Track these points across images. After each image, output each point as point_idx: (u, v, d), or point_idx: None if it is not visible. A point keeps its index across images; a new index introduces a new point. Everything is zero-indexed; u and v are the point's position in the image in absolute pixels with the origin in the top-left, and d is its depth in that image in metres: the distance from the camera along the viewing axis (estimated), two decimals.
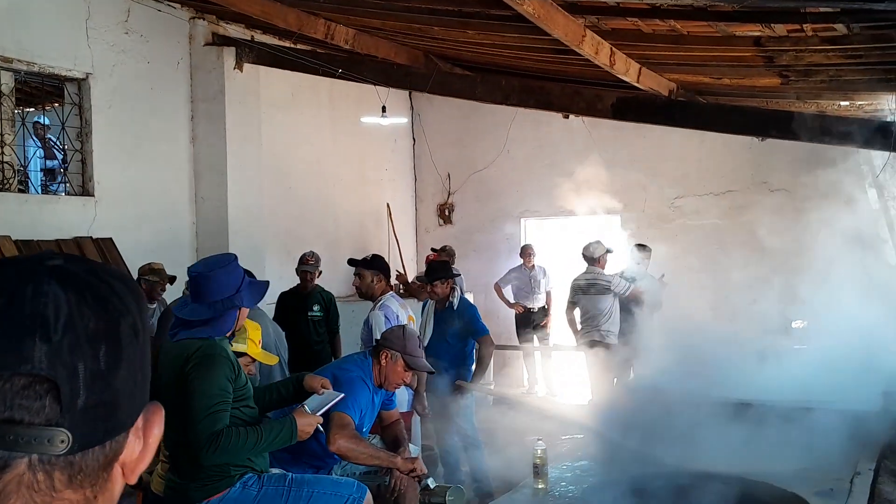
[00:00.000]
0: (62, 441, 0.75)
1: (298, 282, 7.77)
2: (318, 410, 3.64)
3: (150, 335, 0.86)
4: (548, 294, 10.84)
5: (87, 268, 0.82)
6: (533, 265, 10.78)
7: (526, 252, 10.84)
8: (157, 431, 0.84)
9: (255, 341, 4.05)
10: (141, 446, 0.83)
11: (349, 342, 7.43)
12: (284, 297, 7.81)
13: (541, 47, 6.96)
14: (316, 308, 7.60)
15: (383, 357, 4.36)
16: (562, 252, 11.48)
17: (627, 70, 7.02)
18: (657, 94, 7.82)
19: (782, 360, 4.93)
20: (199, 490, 3.42)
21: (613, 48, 6.61)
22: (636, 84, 7.42)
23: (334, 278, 10.10)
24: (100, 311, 0.78)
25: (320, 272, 7.80)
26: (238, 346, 3.92)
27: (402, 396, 5.79)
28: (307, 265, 7.63)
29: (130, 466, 0.82)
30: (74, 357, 0.75)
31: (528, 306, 10.73)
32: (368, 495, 3.71)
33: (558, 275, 10.72)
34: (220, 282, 3.44)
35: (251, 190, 8.78)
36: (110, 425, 0.78)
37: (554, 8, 5.45)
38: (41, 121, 8.61)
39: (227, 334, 3.53)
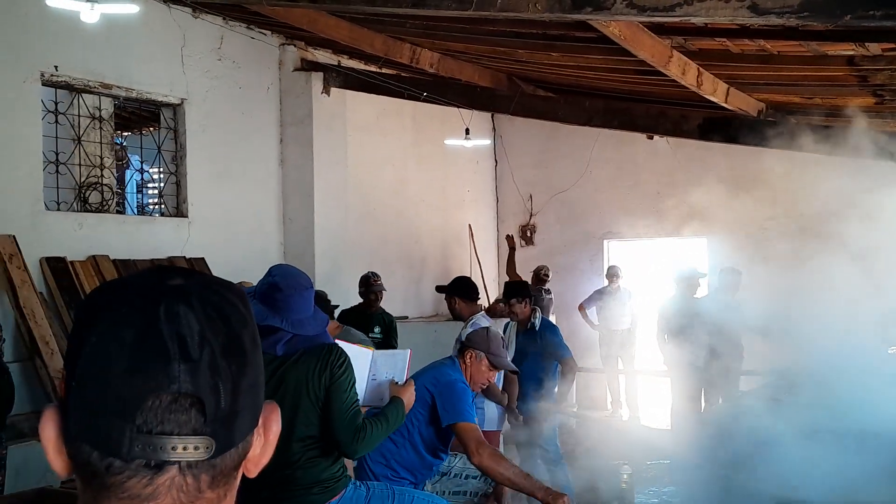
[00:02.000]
0: (207, 448, 0.82)
1: (361, 301, 7.61)
2: (400, 375, 3.76)
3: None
4: (633, 316, 10.69)
5: (203, 282, 0.87)
6: (619, 287, 10.66)
7: (612, 273, 10.73)
8: (276, 428, 0.91)
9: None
10: (262, 442, 0.90)
11: (430, 361, 7.40)
12: (346, 316, 7.52)
13: (626, 68, 6.94)
14: (377, 329, 7.38)
15: (468, 356, 4.42)
16: (646, 274, 11.36)
17: (715, 90, 6.94)
18: (746, 114, 7.69)
19: (881, 385, 4.77)
20: (323, 493, 3.49)
21: (700, 68, 6.54)
22: (724, 104, 7.32)
23: (416, 298, 10.21)
24: (225, 325, 0.84)
25: (385, 290, 7.68)
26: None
27: (493, 414, 5.81)
28: (376, 286, 7.51)
29: (254, 461, 0.90)
30: (212, 372, 0.82)
31: (613, 328, 10.62)
32: None
33: (642, 297, 10.60)
34: (298, 302, 3.45)
35: (337, 211, 8.95)
36: (243, 427, 0.86)
37: (640, 29, 5.44)
38: (120, 142, 8.93)
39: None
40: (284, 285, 3.32)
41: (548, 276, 10.50)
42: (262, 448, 0.90)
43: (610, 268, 10.90)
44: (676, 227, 10.85)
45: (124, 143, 8.99)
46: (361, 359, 3.77)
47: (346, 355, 3.43)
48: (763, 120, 7.83)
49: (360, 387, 3.69)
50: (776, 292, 9.23)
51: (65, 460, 0.85)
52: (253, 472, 0.91)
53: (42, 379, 6.16)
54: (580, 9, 4.03)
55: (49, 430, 0.85)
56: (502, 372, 6.03)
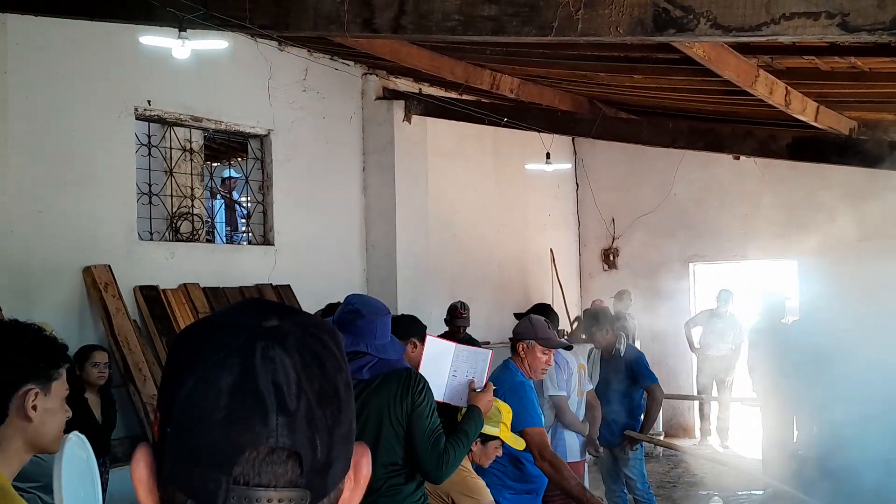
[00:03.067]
0: (301, 499, 0.80)
1: (447, 329, 7.58)
2: (480, 376, 3.73)
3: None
4: (735, 343, 10.31)
5: (299, 324, 0.85)
6: (727, 311, 10.35)
7: (723, 298, 10.40)
8: (366, 471, 0.89)
9: (507, 424, 4.01)
10: (353, 485, 0.88)
11: None
12: None
13: (710, 88, 6.83)
14: None
15: (520, 349, 4.42)
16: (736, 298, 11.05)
17: (804, 109, 6.76)
18: (836, 133, 7.47)
19: None
20: None
21: (788, 87, 6.39)
22: (813, 123, 7.13)
23: (498, 323, 10.16)
24: (320, 372, 0.82)
25: (467, 326, 7.66)
26: (490, 430, 3.82)
27: (574, 444, 5.71)
28: (461, 318, 7.52)
29: (345, 502, 0.88)
30: (309, 424, 0.80)
31: (711, 353, 10.32)
32: None
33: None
34: (380, 327, 3.49)
35: (418, 237, 9.01)
36: (336, 474, 0.84)
37: (725, 49, 5.34)
38: (230, 174, 9.18)
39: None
40: (366, 311, 3.35)
41: (630, 301, 10.32)
42: (352, 491, 0.88)
43: (721, 291, 10.56)
44: (765, 249, 10.57)
45: (229, 175, 9.21)
46: (444, 354, 3.79)
47: (425, 381, 3.41)
48: (855, 138, 7.59)
49: (441, 382, 3.70)
50: (869, 316, 8.88)
51: (156, 502, 0.84)
52: None
53: (135, 405, 6.34)
54: (663, 31, 3.98)
55: (141, 470, 0.84)
56: (583, 399, 5.96)
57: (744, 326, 10.19)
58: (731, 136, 7.42)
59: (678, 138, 7.60)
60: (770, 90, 6.14)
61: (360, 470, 0.89)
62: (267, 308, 0.86)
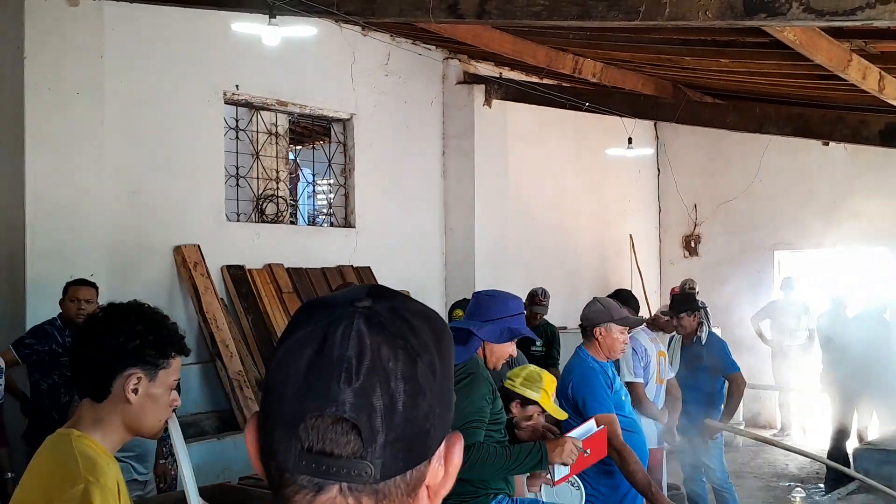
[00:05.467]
0: (366, 472, 0.82)
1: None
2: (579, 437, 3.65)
3: (450, 369, 0.90)
4: (810, 331, 10.11)
5: (391, 306, 0.88)
6: (793, 300, 10.16)
7: (786, 285, 10.24)
8: (457, 460, 0.90)
9: (549, 392, 4.00)
10: (443, 472, 0.89)
11: None
12: None
13: (800, 73, 6.65)
14: (539, 343, 7.40)
15: (598, 334, 4.32)
16: (821, 286, 10.79)
17: None
18: None
19: None
20: None
21: (882, 72, 6.18)
22: None
23: (576, 309, 10.11)
24: (398, 351, 0.84)
25: (545, 314, 7.66)
26: (530, 394, 3.83)
27: (651, 432, 5.68)
28: (539, 305, 7.52)
29: (434, 489, 0.89)
30: (374, 398, 0.82)
31: (786, 343, 10.13)
32: None
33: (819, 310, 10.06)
34: (491, 304, 3.57)
35: (497, 221, 9.03)
36: (411, 456, 0.84)
37: (817, 33, 5.20)
38: (295, 157, 9.31)
39: (493, 364, 3.64)
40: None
41: (693, 290, 10.13)
42: (441, 479, 0.89)
43: (784, 279, 10.41)
44: (853, 237, 10.26)
45: (297, 158, 9.38)
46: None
47: (468, 371, 3.43)
48: None
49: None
50: None
51: (262, 468, 0.88)
52: (434, 501, 0.90)
53: (222, 380, 6.55)
54: (753, 15, 3.90)
55: (251, 435, 0.89)
56: (662, 387, 5.91)
57: (813, 313, 9.96)
58: (820, 121, 7.22)
59: (765, 123, 7.42)
60: (863, 75, 5.94)
61: (452, 458, 0.90)
62: (369, 291, 0.89)
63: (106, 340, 1.93)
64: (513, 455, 3.43)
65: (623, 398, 4.40)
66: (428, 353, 0.86)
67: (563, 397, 4.34)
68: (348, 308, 0.86)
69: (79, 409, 2.00)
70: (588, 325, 4.39)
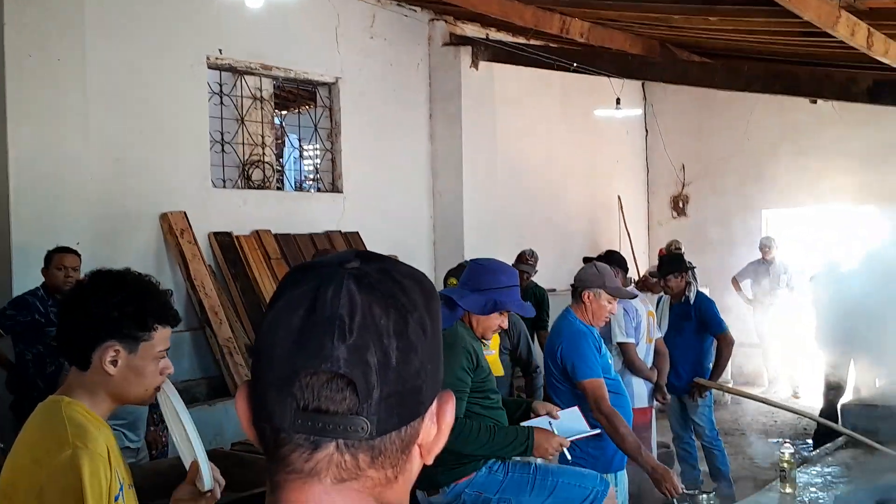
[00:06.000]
0: (362, 428, 0.83)
1: None
2: (568, 436, 3.62)
3: (439, 328, 0.91)
4: (790, 290, 10.25)
5: (380, 268, 0.89)
6: (773, 259, 10.25)
7: (765, 245, 10.32)
8: (449, 418, 0.92)
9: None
10: (436, 430, 0.91)
11: None
12: None
13: (789, 30, 6.60)
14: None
15: (586, 297, 4.30)
16: (806, 245, 10.85)
17: (887, 51, 6.49)
18: None
19: None
20: (446, 473, 3.54)
21: (871, 28, 6.14)
22: None
23: (565, 271, 10.14)
24: (389, 309, 0.85)
25: (536, 271, 7.67)
26: None
27: (642, 391, 5.73)
28: (525, 264, 7.50)
29: (427, 447, 0.90)
30: (368, 354, 0.83)
31: (768, 302, 10.23)
32: (612, 489, 3.70)
33: (800, 269, 10.14)
34: (481, 274, 3.56)
35: (485, 184, 9.01)
36: (405, 412, 0.86)
37: None
38: (281, 122, 9.22)
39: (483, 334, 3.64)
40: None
41: (679, 250, 10.18)
42: (434, 437, 0.91)
43: (762, 239, 10.47)
44: (842, 195, 10.29)
45: (283, 122, 9.31)
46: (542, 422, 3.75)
47: (453, 339, 3.43)
48: None
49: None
50: None
51: (254, 433, 0.89)
52: (427, 459, 0.91)
53: (212, 347, 6.55)
54: None
55: (241, 402, 0.90)
56: (651, 346, 5.95)
57: (793, 271, 10.04)
58: (808, 79, 7.19)
59: (753, 82, 7.39)
60: (852, 31, 5.91)
61: (444, 416, 0.91)
62: (356, 254, 0.90)
63: (87, 311, 1.92)
64: (496, 438, 3.43)
65: (609, 361, 4.41)
66: (417, 312, 0.87)
67: (551, 359, 4.35)
68: (338, 269, 0.87)
69: (68, 376, 2.00)
70: (579, 286, 4.38)
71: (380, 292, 0.86)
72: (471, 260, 3.89)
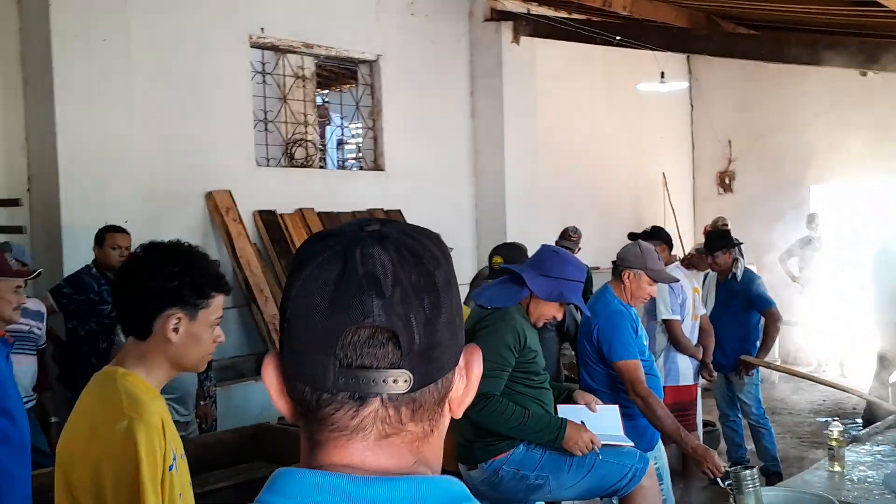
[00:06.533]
0: (405, 381, 0.85)
1: None
2: (599, 432, 3.57)
3: (458, 285, 0.94)
4: (838, 267, 10.08)
5: (399, 229, 0.91)
6: (820, 236, 10.06)
7: (812, 221, 10.15)
8: (477, 370, 0.94)
9: None
10: (465, 383, 0.93)
11: None
12: None
13: (837, 0, 6.44)
14: None
15: (626, 277, 4.25)
16: (856, 221, 10.64)
17: None
18: None
19: None
20: (485, 449, 3.56)
21: None
22: None
23: (608, 249, 10.06)
24: (417, 266, 0.88)
25: (580, 248, 7.63)
26: None
27: (687, 368, 5.67)
28: (569, 241, 7.48)
29: (457, 401, 0.93)
30: (405, 308, 0.85)
31: (816, 280, 10.06)
32: (651, 466, 3.68)
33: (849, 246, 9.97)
34: (553, 261, 3.56)
35: (527, 162, 8.95)
36: (440, 365, 0.88)
37: None
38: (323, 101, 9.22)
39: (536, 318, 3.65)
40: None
41: (726, 227, 10.05)
42: (464, 389, 0.93)
43: (809, 215, 10.30)
44: (892, 170, 10.05)
45: (326, 101, 9.32)
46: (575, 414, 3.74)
47: (497, 318, 3.48)
48: None
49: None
50: None
51: (287, 401, 0.91)
52: (457, 413, 0.94)
53: (258, 324, 6.62)
54: None
55: (270, 373, 0.92)
56: (696, 323, 5.88)
57: (845, 249, 9.87)
58: (858, 50, 7.01)
59: (801, 54, 7.24)
60: None
61: (472, 368, 0.94)
62: (372, 219, 0.93)
63: (146, 282, 1.96)
64: (529, 422, 3.43)
65: (644, 342, 4.36)
66: (442, 267, 0.90)
67: (587, 339, 4.32)
68: (359, 232, 0.89)
69: (124, 348, 2.04)
70: (621, 265, 4.34)
71: (405, 250, 0.88)
72: (543, 244, 3.88)
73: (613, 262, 4.51)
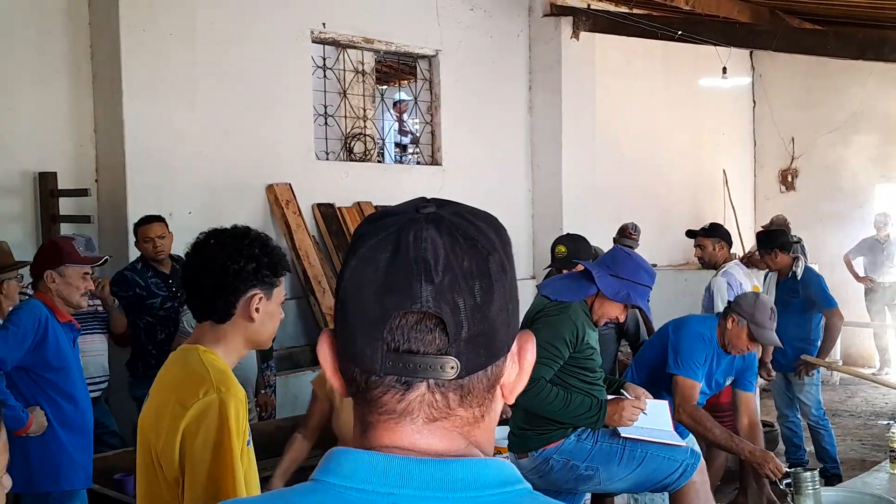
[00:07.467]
0: (452, 367, 0.85)
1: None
2: (637, 425, 3.58)
3: (514, 269, 0.93)
4: None
5: (455, 211, 0.90)
6: (888, 236, 9.85)
7: (881, 222, 9.93)
8: (531, 357, 0.93)
9: None
10: (517, 370, 0.92)
11: (678, 311, 7.18)
12: None
13: None
14: None
15: (730, 321, 4.24)
16: None
17: None
18: None
19: None
20: (536, 438, 3.58)
21: None
22: None
23: (666, 246, 9.96)
24: (471, 250, 0.87)
25: (638, 245, 7.55)
26: None
27: None
28: (629, 239, 7.41)
29: (509, 388, 0.92)
30: (455, 294, 0.84)
31: (879, 280, 9.86)
32: (702, 462, 3.65)
33: None
34: (625, 262, 3.57)
35: (585, 157, 8.90)
36: (491, 352, 0.88)
37: None
38: (401, 98, 9.32)
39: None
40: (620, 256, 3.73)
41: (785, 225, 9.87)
42: (517, 375, 0.92)
43: (878, 215, 10.07)
44: None
45: (400, 99, 9.31)
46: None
47: (558, 311, 3.49)
48: None
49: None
50: None
51: (340, 379, 0.92)
52: (509, 399, 0.93)
53: (315, 315, 6.71)
54: None
55: (324, 351, 0.93)
56: None
57: None
58: None
59: (868, 49, 7.07)
60: None
61: (525, 355, 0.93)
62: (430, 200, 0.92)
63: (229, 264, 2.01)
64: (571, 404, 3.46)
65: (711, 384, 4.33)
66: (497, 252, 0.89)
67: (658, 338, 4.34)
68: (415, 214, 0.89)
69: (196, 331, 2.10)
70: (731, 308, 4.32)
71: (460, 234, 0.87)
72: (617, 245, 3.92)
73: (728, 303, 4.53)
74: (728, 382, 4.48)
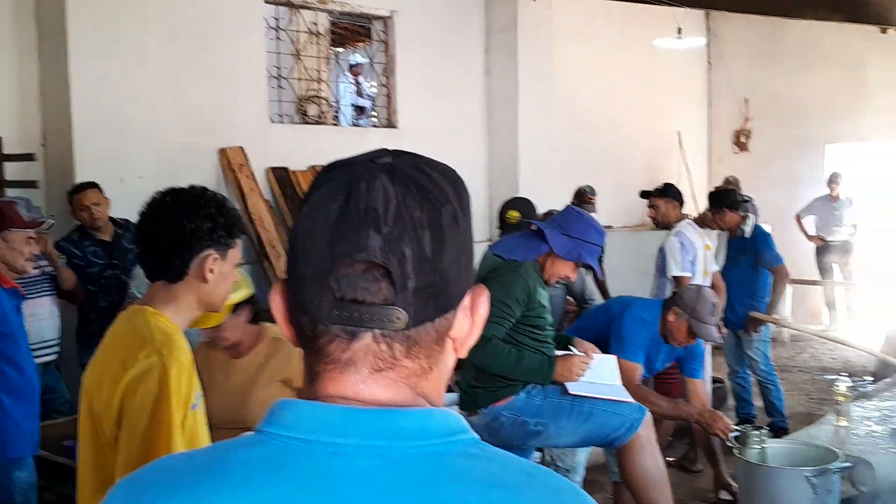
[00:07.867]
0: (398, 318, 0.85)
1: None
2: (586, 380, 3.64)
3: (470, 222, 0.93)
4: (854, 227, 10.08)
5: (412, 162, 0.90)
6: (838, 195, 10.04)
7: (832, 181, 10.11)
8: (483, 311, 0.93)
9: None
10: (469, 324, 0.92)
11: (633, 271, 7.29)
12: None
13: None
14: None
15: (671, 313, 4.29)
16: (872, 182, 10.59)
17: None
18: None
19: None
20: (485, 395, 3.64)
21: None
22: None
23: (622, 207, 10.05)
24: (423, 201, 0.86)
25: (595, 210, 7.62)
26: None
27: None
28: (588, 204, 7.48)
29: (460, 341, 0.92)
30: (403, 245, 0.84)
31: (829, 239, 10.09)
32: (648, 416, 3.72)
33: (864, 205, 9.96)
34: (577, 221, 3.60)
35: (542, 120, 8.89)
36: (439, 304, 0.87)
37: None
38: (356, 60, 9.22)
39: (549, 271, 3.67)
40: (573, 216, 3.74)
41: (737, 185, 10.04)
42: (469, 328, 0.92)
43: (831, 175, 10.27)
44: None
45: (356, 62, 9.20)
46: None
47: (509, 269, 3.53)
48: None
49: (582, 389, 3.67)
50: None
51: (290, 329, 0.91)
52: (460, 353, 0.93)
53: (270, 280, 6.68)
54: None
55: (276, 300, 0.93)
56: (708, 280, 5.89)
57: (860, 208, 9.84)
58: (878, 4, 6.92)
59: (821, 8, 7.14)
60: None
61: (478, 308, 0.92)
62: (387, 150, 0.92)
63: (179, 225, 1.98)
64: (523, 362, 3.52)
65: (651, 369, 4.43)
66: (450, 204, 0.88)
67: (604, 311, 4.40)
68: (370, 164, 0.88)
69: (149, 290, 2.08)
70: (674, 300, 4.36)
71: (413, 185, 0.86)
72: (569, 205, 3.94)
73: (672, 293, 4.58)
74: (666, 367, 4.54)
